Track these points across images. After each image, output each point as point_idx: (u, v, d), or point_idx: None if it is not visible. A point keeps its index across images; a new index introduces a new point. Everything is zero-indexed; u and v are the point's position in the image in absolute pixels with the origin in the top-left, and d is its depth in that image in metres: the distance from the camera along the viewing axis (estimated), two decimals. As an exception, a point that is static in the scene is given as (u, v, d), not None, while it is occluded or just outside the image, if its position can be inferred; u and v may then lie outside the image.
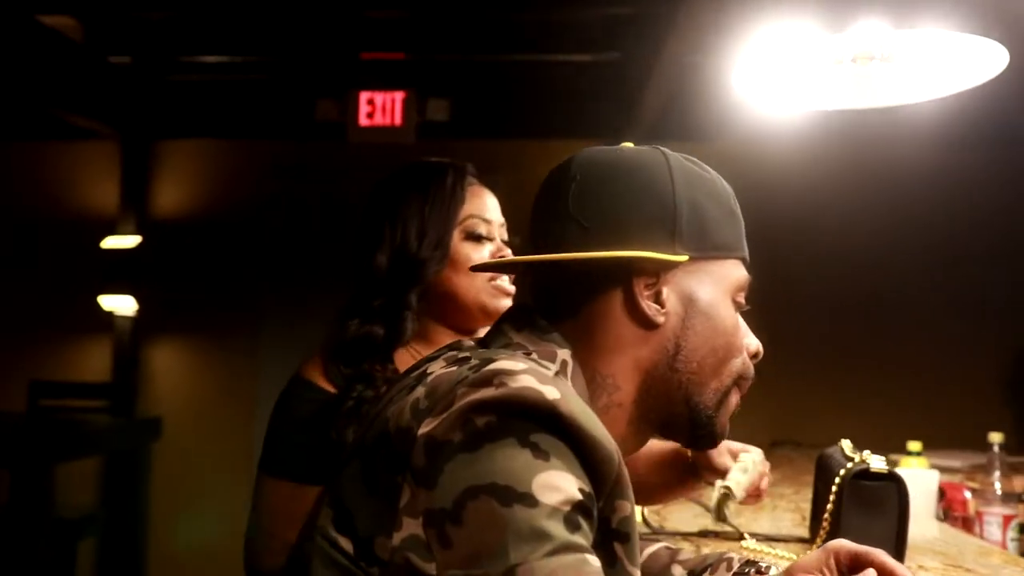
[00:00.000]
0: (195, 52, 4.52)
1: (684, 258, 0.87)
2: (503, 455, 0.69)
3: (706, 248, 0.89)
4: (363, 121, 4.48)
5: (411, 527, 0.70)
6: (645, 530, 1.65)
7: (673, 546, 1.15)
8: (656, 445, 1.42)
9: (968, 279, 4.35)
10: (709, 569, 1.07)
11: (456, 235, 1.35)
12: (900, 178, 4.35)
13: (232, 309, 4.73)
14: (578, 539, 0.68)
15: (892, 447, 2.36)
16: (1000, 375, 4.37)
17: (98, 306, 4.68)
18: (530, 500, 0.67)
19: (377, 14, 4.25)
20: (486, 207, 1.39)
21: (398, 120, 4.48)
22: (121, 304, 4.72)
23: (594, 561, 0.68)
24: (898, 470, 2.06)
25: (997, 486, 2.13)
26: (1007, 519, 2.05)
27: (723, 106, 2.80)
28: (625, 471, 0.76)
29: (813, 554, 1.01)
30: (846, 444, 1.61)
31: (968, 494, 2.12)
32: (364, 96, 4.47)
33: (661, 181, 0.88)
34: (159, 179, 4.92)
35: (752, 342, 0.95)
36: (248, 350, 4.67)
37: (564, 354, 0.86)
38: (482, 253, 1.36)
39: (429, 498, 0.70)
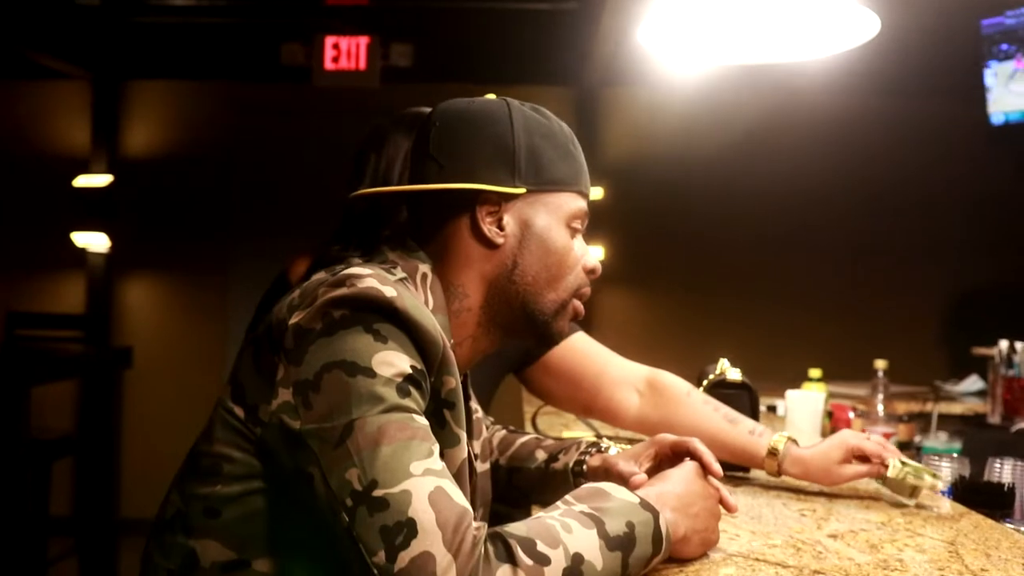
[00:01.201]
0: (163, -6, 4.62)
1: (521, 191, 1.06)
2: (352, 339, 0.89)
3: (542, 183, 1.08)
4: (328, 65, 4.58)
5: (284, 396, 0.90)
6: (531, 430, 1.87)
7: (542, 437, 1.37)
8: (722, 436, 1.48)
9: (898, 224, 4.62)
10: (563, 451, 1.29)
11: None
12: (811, 124, 4.63)
13: (201, 244, 4.91)
14: (407, 403, 0.88)
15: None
16: (934, 316, 4.65)
17: (71, 242, 4.85)
18: (370, 372, 0.87)
19: (342, -40, 4.37)
20: None
21: (362, 64, 4.58)
22: (94, 240, 4.88)
23: (420, 420, 0.89)
24: (790, 391, 2.30)
25: (880, 408, 2.38)
26: (887, 436, 2.27)
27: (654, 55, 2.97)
28: (451, 354, 0.96)
29: (640, 445, 1.23)
30: (723, 361, 1.83)
31: (852, 414, 2.35)
32: (329, 40, 4.57)
33: (502, 127, 1.07)
34: (129, 119, 5.04)
35: (589, 261, 1.14)
36: (217, 283, 4.87)
37: (425, 268, 1.07)
38: None
39: (296, 373, 0.90)
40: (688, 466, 1.08)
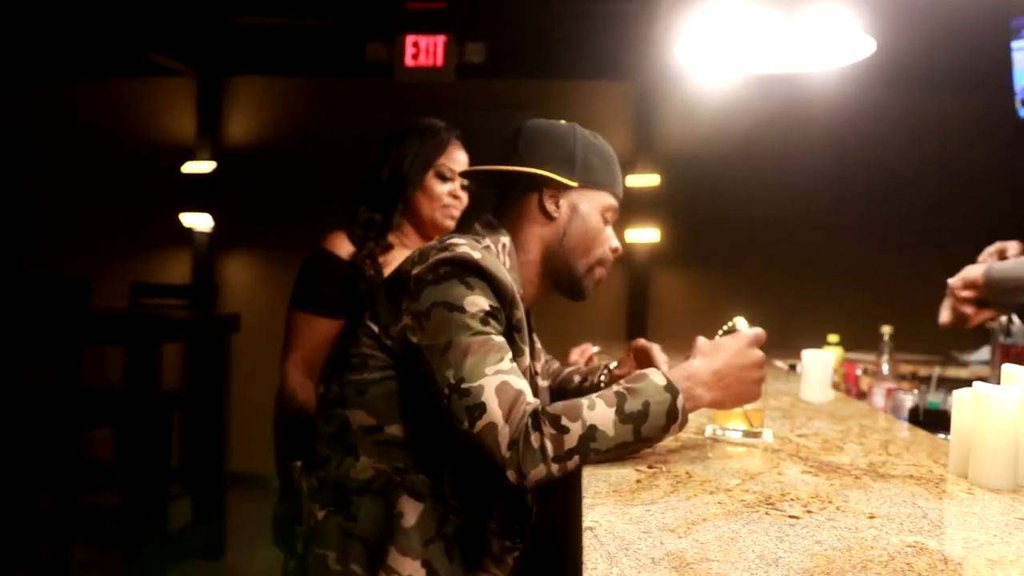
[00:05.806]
0: None
1: (575, 184, 1.53)
2: (451, 286, 1.34)
3: (589, 182, 1.55)
4: (409, 62, 5.07)
5: (406, 320, 1.36)
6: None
7: (580, 367, 1.85)
8: None
9: (939, 211, 4.93)
10: (591, 373, 1.78)
11: (431, 172, 2.11)
12: (843, 119, 5.00)
13: (295, 225, 5.44)
14: (488, 329, 1.33)
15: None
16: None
17: (179, 222, 5.44)
18: (462, 309, 1.32)
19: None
20: (455, 160, 2.14)
21: (439, 61, 5.06)
22: (199, 221, 5.47)
23: (498, 339, 1.33)
24: (805, 351, 2.69)
25: (885, 367, 2.76)
26: (889, 391, 2.67)
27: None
28: (518, 296, 1.41)
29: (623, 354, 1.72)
30: (739, 318, 2.24)
31: (859, 371, 2.75)
32: (410, 39, 5.07)
33: (569, 142, 1.55)
34: (231, 111, 5.61)
35: (613, 242, 1.61)
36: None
37: (505, 239, 1.53)
38: (444, 188, 2.13)
39: (415, 306, 1.35)
40: (739, 338, 1.48)
